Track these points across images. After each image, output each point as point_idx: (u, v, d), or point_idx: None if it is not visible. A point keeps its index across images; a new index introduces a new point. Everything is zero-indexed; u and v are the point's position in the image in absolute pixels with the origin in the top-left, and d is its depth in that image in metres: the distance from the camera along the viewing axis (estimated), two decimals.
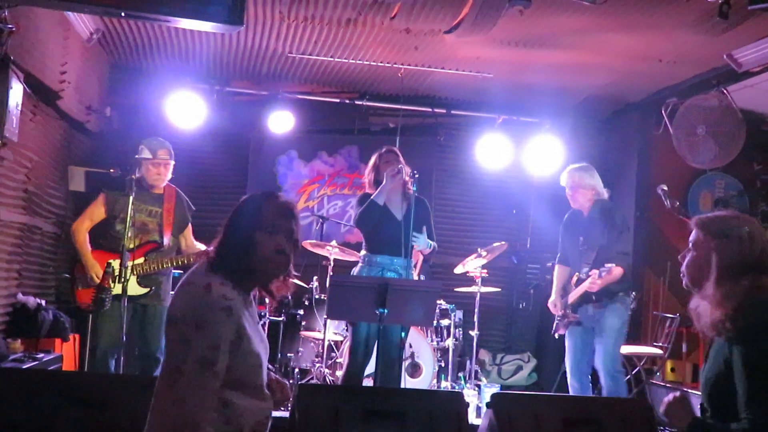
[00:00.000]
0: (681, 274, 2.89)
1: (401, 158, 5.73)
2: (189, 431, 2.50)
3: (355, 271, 5.81)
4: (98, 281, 5.40)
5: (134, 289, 5.58)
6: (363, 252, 5.77)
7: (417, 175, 5.58)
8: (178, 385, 2.54)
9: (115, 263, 5.37)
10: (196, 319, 2.55)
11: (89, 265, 5.66)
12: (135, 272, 5.60)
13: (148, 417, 2.66)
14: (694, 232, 2.84)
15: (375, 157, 5.85)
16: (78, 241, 5.75)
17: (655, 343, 7.54)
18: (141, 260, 5.66)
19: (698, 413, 2.83)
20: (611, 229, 5.85)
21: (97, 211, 5.84)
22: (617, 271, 5.72)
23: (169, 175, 5.94)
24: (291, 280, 2.90)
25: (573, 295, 5.93)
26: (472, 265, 7.10)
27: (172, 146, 5.99)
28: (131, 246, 5.53)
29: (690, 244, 2.84)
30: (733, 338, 2.62)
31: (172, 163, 5.94)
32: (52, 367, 5.52)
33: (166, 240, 5.83)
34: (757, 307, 2.62)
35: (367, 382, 5.91)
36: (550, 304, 6.15)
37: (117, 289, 5.29)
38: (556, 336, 6.13)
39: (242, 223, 2.73)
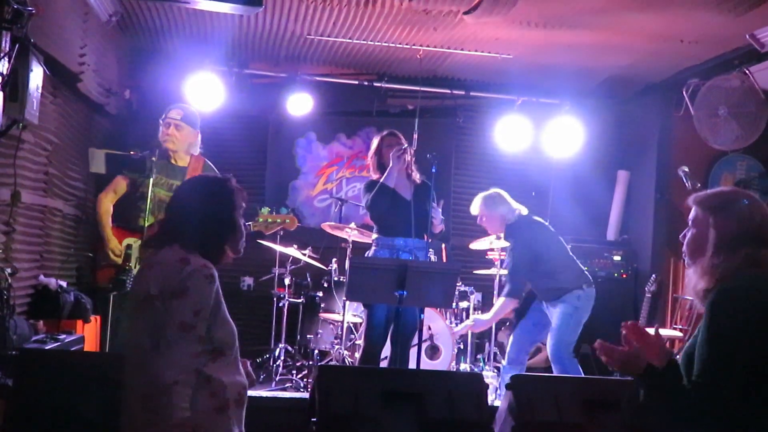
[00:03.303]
0: (683, 254, 2.89)
1: (403, 140, 5.76)
2: (163, 394, 2.58)
3: (369, 254, 5.82)
4: (114, 257, 5.30)
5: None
6: (375, 235, 5.79)
7: (436, 155, 5.56)
8: (157, 351, 2.63)
9: (135, 244, 5.32)
10: (174, 288, 2.68)
11: (107, 238, 5.57)
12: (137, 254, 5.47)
13: (122, 407, 2.77)
14: (693, 210, 2.84)
15: (377, 140, 5.88)
16: (100, 212, 5.68)
17: (674, 326, 7.51)
18: None
19: None
20: (508, 254, 6.13)
21: (120, 185, 5.80)
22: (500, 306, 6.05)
23: (186, 141, 5.77)
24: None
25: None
26: (487, 243, 7.14)
27: None
28: (148, 224, 5.42)
29: (690, 222, 2.85)
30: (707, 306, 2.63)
31: (191, 129, 5.77)
32: (74, 348, 5.56)
33: None
34: (735, 281, 2.62)
35: (382, 365, 5.94)
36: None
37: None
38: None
39: (221, 206, 2.92)
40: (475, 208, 6.20)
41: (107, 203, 5.69)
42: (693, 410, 2.53)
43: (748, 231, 2.69)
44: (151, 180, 5.14)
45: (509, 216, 6.14)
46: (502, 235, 6.32)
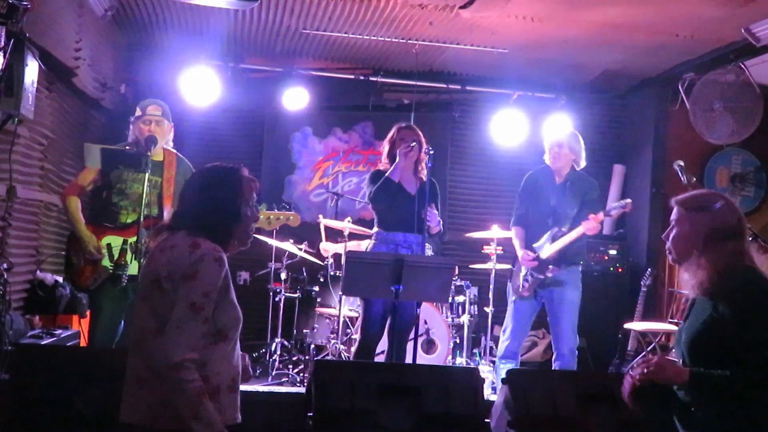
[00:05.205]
0: (667, 251, 3.16)
1: (419, 135, 5.73)
2: (172, 372, 2.59)
3: (368, 248, 5.82)
4: (96, 253, 5.01)
5: (132, 267, 5.03)
6: (375, 229, 5.78)
7: (432, 152, 5.56)
8: (164, 332, 2.65)
9: (116, 242, 5.10)
10: (184, 271, 2.69)
11: (87, 237, 5.09)
12: (132, 250, 5.08)
13: (123, 393, 2.79)
14: (675, 210, 3.13)
15: (394, 130, 5.86)
16: (71, 209, 5.19)
17: (670, 320, 7.52)
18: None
19: None
20: (582, 201, 5.95)
21: (87, 179, 5.29)
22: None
23: (165, 137, 5.37)
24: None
25: (552, 249, 5.84)
26: (487, 234, 7.18)
27: (188, 123, 5.83)
28: (128, 221, 5.14)
29: (672, 222, 3.13)
30: (719, 299, 2.87)
31: (168, 123, 5.41)
32: (69, 343, 5.57)
33: (167, 213, 5.18)
34: (739, 275, 2.89)
35: (378, 359, 5.95)
36: (524, 257, 5.88)
37: (133, 268, 5.06)
38: (525, 294, 5.90)
39: (227, 195, 2.92)
40: (564, 136, 6.11)
41: (76, 200, 5.22)
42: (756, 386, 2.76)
43: (729, 227, 2.97)
44: (147, 175, 5.02)
45: (581, 160, 6.11)
46: (566, 173, 6.06)
